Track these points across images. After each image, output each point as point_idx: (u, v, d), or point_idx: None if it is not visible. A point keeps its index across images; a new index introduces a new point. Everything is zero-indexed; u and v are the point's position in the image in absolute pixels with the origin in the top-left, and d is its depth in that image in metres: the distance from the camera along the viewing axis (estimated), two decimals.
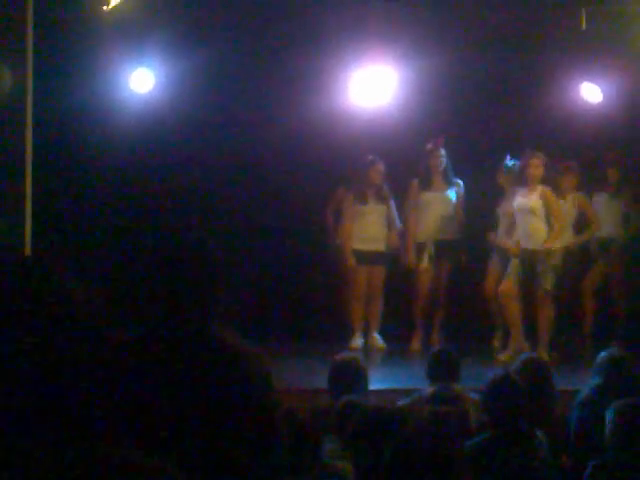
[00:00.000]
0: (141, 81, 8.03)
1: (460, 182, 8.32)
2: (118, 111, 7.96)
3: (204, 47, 7.88)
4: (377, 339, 8.27)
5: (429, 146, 8.20)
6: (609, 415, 4.15)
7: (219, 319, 2.71)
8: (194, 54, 7.84)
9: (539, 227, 7.60)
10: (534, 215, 7.60)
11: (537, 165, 7.66)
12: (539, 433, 4.41)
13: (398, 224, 8.31)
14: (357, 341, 8.19)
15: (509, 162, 8.01)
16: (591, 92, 8.19)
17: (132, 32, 7.74)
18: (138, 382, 2.46)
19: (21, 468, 1.40)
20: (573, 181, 8.13)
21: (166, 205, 8.43)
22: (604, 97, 8.17)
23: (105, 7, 7.40)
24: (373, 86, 8.02)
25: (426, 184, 8.23)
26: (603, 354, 5.17)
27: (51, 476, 1.40)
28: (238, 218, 8.70)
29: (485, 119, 8.47)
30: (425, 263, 8.18)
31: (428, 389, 5.16)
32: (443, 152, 8.21)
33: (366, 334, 8.28)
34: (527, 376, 4.79)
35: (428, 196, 8.24)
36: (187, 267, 2.68)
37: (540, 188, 7.64)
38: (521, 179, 7.70)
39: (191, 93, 8.16)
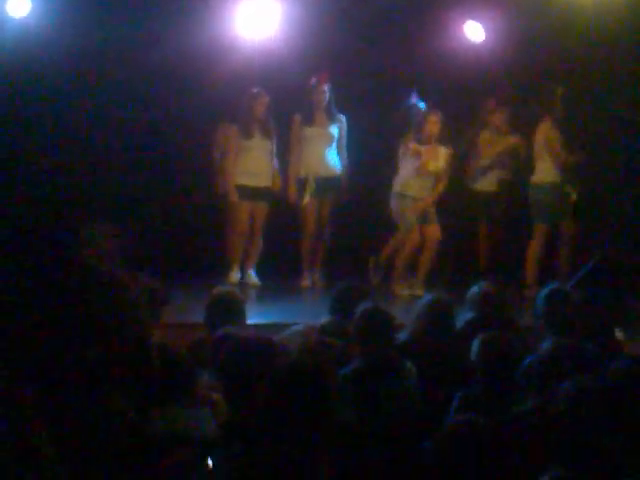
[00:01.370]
0: (17, 5, 7.75)
1: (343, 118, 8.28)
2: None
3: None
4: (252, 276, 8.26)
5: (313, 81, 8.14)
6: (474, 347, 4.26)
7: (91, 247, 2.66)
8: None
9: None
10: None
11: (434, 122, 7.80)
12: (408, 364, 4.51)
13: (276, 162, 8.26)
14: (235, 275, 8.18)
15: (416, 102, 8.11)
16: (474, 31, 8.26)
17: None
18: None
19: None
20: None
21: (37, 137, 8.17)
22: (487, 35, 8.25)
23: None
24: (258, 18, 7.91)
25: (308, 119, 8.17)
26: (474, 288, 5.29)
27: None
28: (116, 152, 8.50)
29: (370, 57, 8.43)
30: (307, 199, 8.17)
31: (319, 321, 5.19)
32: (326, 88, 8.14)
33: (242, 270, 8.27)
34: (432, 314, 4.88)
35: (310, 131, 8.18)
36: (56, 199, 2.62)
37: (443, 152, 7.95)
38: (419, 134, 7.80)
39: (69, 20, 7.88)
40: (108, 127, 8.38)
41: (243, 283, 8.12)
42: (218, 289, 5.34)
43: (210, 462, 3.03)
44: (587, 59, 8.33)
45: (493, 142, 8.30)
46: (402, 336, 4.96)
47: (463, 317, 5.26)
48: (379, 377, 4.37)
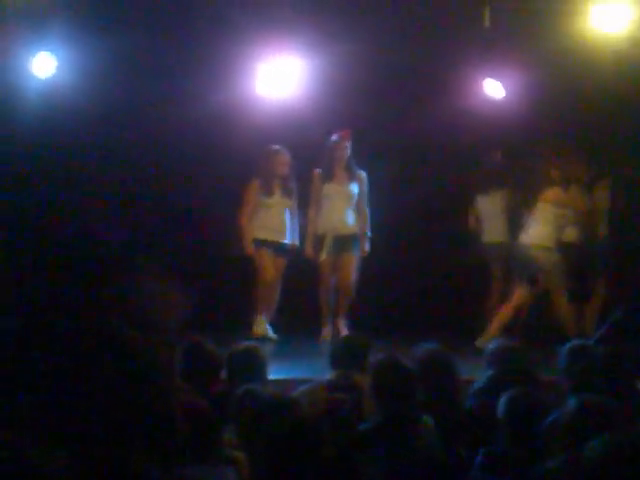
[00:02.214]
0: (43, 65, 7.88)
1: (363, 174, 8.30)
2: (18, 96, 7.79)
3: (108, 32, 7.76)
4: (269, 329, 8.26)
5: (334, 137, 8.18)
6: (501, 404, 4.24)
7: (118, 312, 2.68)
8: (97, 39, 7.71)
9: None
10: None
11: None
12: (426, 418, 4.47)
13: (296, 220, 8.33)
14: (262, 326, 8.14)
15: None
16: (494, 88, 8.32)
17: (34, 15, 7.57)
18: (26, 373, 2.41)
19: None
20: None
21: (66, 193, 8.28)
22: (507, 93, 8.31)
23: None
24: (279, 77, 8.00)
25: (328, 176, 8.21)
26: (493, 345, 5.27)
27: None
28: (142, 208, 8.59)
29: (389, 113, 8.51)
30: (323, 256, 8.18)
31: (327, 377, 5.17)
32: (348, 145, 8.18)
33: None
34: (430, 366, 4.86)
35: (329, 188, 8.21)
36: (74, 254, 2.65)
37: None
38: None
39: (94, 79, 8.02)
40: (132, 184, 8.47)
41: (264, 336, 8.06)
42: (240, 344, 5.33)
43: None
44: (607, 115, 8.39)
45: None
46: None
47: (484, 373, 5.23)
48: (397, 433, 4.33)
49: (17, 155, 8.12)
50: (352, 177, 8.22)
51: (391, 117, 8.51)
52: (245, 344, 5.32)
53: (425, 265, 8.96)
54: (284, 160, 8.15)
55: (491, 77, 8.26)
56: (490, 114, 8.27)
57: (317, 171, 8.24)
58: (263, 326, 8.15)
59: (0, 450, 1.76)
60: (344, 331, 8.13)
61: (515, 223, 8.23)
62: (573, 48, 7.69)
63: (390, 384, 4.47)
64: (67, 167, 8.33)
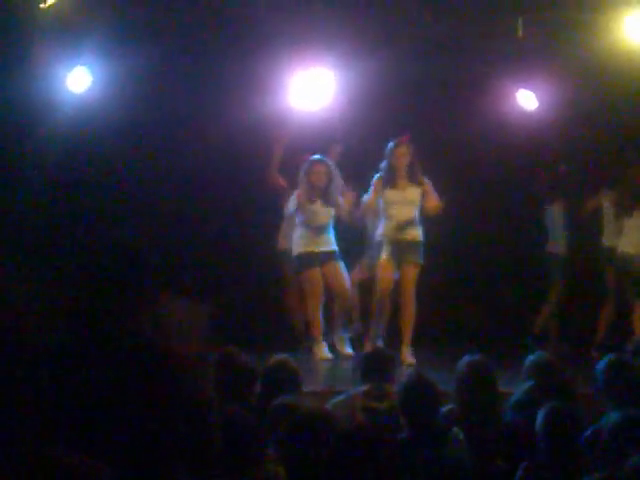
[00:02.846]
0: (78, 80, 7.95)
1: (425, 180, 7.97)
2: (55, 111, 7.87)
3: (143, 47, 7.82)
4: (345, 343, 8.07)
5: (390, 145, 7.94)
6: (539, 417, 4.22)
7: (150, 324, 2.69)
8: (132, 54, 7.77)
9: None
10: None
11: None
12: (455, 430, 4.48)
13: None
14: (323, 350, 7.90)
15: None
16: (527, 99, 8.30)
17: (69, 30, 7.65)
18: (68, 385, 2.43)
19: None
20: None
21: (103, 207, 8.35)
22: (540, 104, 8.28)
23: (42, 5, 7.32)
24: (312, 89, 8.02)
25: (389, 182, 7.93)
26: (531, 358, 5.24)
27: None
28: (177, 222, 8.64)
29: (422, 125, 8.49)
30: (383, 257, 7.85)
31: (361, 388, 5.19)
32: (407, 149, 7.92)
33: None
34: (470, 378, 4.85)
35: (391, 194, 7.93)
36: (113, 274, 2.67)
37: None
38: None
39: (129, 93, 8.09)
40: (167, 198, 8.52)
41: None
42: (273, 358, 5.33)
43: None
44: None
45: None
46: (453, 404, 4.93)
47: (521, 386, 5.20)
48: (425, 446, 4.34)
49: (52, 168, 8.20)
50: (414, 183, 7.94)
51: (424, 129, 8.49)
52: (278, 357, 5.32)
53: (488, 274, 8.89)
54: (321, 170, 7.98)
55: (524, 88, 8.25)
56: (523, 125, 8.25)
57: (378, 177, 7.97)
58: (324, 349, 7.88)
59: (46, 463, 1.79)
60: (409, 359, 7.75)
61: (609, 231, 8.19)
62: (606, 58, 7.66)
63: (416, 400, 4.50)
64: (101, 180, 8.39)
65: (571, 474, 3.97)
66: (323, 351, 7.86)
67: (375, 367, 5.29)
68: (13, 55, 7.66)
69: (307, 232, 7.95)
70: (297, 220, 8.02)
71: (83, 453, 2.04)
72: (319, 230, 7.95)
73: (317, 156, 8.05)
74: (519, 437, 4.64)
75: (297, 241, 8.00)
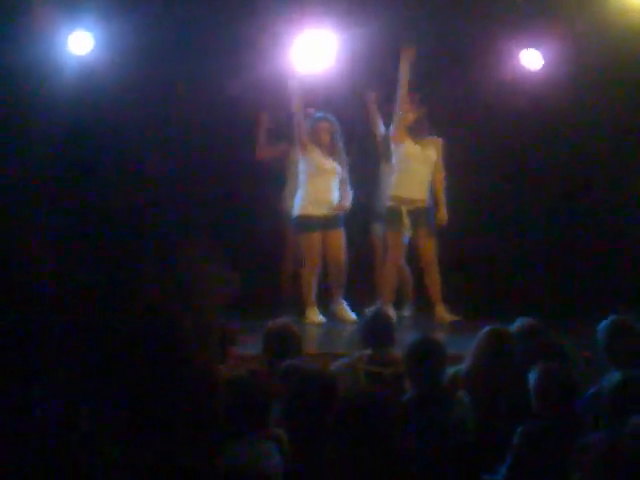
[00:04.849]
0: (79, 43, 7.92)
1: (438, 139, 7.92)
2: (56, 74, 7.85)
3: (143, 9, 7.77)
4: (345, 308, 7.95)
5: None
6: (531, 379, 4.22)
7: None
8: (133, 16, 7.73)
9: None
10: None
11: None
12: (460, 393, 4.50)
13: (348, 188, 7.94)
14: (316, 315, 7.83)
15: None
16: (531, 59, 8.22)
17: None
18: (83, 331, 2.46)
19: None
20: None
21: (105, 169, 8.34)
22: (545, 63, 8.21)
23: None
24: (314, 50, 7.95)
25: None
26: (518, 323, 5.24)
27: None
28: (180, 184, 8.63)
29: (424, 87, 8.41)
30: (404, 228, 7.81)
31: (364, 352, 5.20)
32: (416, 108, 7.86)
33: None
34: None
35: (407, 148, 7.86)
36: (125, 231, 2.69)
37: None
38: None
39: (130, 56, 8.03)
40: (173, 161, 8.51)
41: (332, 316, 7.83)
42: (274, 322, 5.32)
43: None
44: None
45: None
46: (463, 367, 4.93)
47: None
48: (429, 407, 4.36)
49: (56, 133, 8.18)
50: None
51: (427, 91, 8.42)
52: (279, 321, 5.31)
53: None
54: (325, 126, 7.84)
55: (529, 48, 8.17)
56: (528, 85, 8.18)
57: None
58: (318, 315, 7.81)
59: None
60: (448, 316, 7.76)
61: None
62: (612, 17, 7.58)
63: (422, 359, 4.51)
64: (106, 141, 8.37)
65: (568, 435, 3.97)
66: (316, 316, 7.78)
67: (377, 331, 5.26)
68: (14, 18, 7.63)
69: (309, 192, 7.82)
70: (300, 179, 7.91)
71: (91, 404, 2.07)
72: (322, 190, 7.85)
73: (320, 113, 7.94)
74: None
75: (298, 202, 7.85)
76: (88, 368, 2.21)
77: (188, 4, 8.03)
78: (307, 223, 7.78)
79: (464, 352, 5.08)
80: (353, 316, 7.79)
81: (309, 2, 7.66)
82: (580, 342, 5.56)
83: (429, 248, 7.85)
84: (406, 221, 7.79)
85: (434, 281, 7.89)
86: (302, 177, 7.90)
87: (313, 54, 7.93)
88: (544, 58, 8.19)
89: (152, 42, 8.14)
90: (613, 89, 8.31)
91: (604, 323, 5.07)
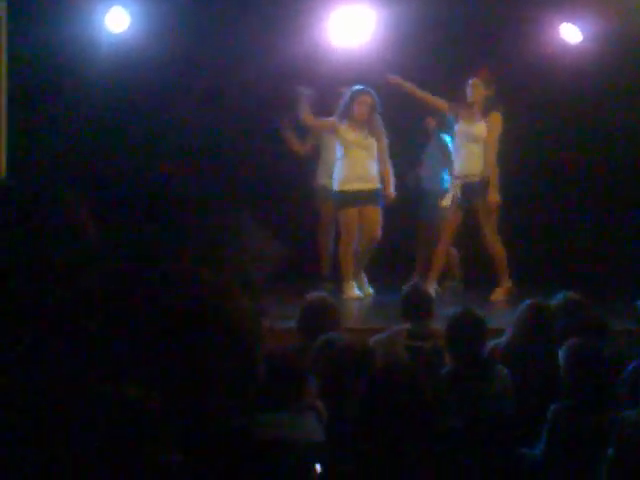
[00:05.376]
0: (116, 20, 7.95)
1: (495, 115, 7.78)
2: (93, 51, 7.89)
3: None
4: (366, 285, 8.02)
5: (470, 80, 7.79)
6: (562, 355, 4.18)
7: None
8: None
9: None
10: None
11: None
12: (498, 367, 4.50)
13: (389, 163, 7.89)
14: (354, 289, 7.85)
15: None
16: (570, 33, 8.13)
17: None
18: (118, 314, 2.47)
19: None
20: None
21: (142, 147, 8.38)
22: (584, 37, 8.12)
23: None
24: (352, 26, 7.92)
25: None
26: (559, 297, 5.20)
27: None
28: (217, 161, 8.66)
29: (464, 61, 8.34)
30: (448, 202, 7.88)
31: (403, 326, 5.21)
32: (479, 83, 7.76)
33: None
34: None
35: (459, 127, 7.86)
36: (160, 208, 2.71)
37: None
38: None
39: (167, 32, 8.05)
40: (207, 137, 8.53)
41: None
42: (311, 295, 5.32)
43: (318, 467, 3.06)
44: None
45: None
46: (502, 340, 4.93)
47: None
48: (469, 381, 4.37)
49: (91, 109, 8.23)
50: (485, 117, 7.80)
51: (465, 64, 8.35)
52: (316, 295, 5.32)
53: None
54: (365, 100, 7.74)
55: (568, 22, 8.08)
56: (569, 60, 8.09)
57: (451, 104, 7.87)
58: (355, 289, 7.84)
59: (104, 389, 1.86)
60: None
61: None
62: None
63: (463, 333, 4.52)
64: (141, 120, 8.41)
65: (601, 412, 3.94)
66: (353, 290, 7.80)
67: (416, 304, 5.27)
68: None
69: (345, 168, 7.80)
70: (338, 154, 7.91)
71: (130, 382, 2.10)
72: (358, 166, 7.79)
73: (360, 86, 7.83)
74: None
75: (335, 178, 7.87)
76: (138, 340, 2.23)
77: None
78: (344, 198, 7.79)
79: (505, 325, 5.08)
80: (370, 290, 7.93)
81: None
82: (624, 315, 5.54)
83: (487, 222, 7.79)
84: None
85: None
86: (339, 153, 7.90)
87: (349, 29, 7.90)
88: (583, 33, 8.10)
89: (187, 20, 8.15)
90: None
91: None
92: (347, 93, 7.82)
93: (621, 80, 8.29)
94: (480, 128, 7.75)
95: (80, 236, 1.92)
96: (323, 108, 8.07)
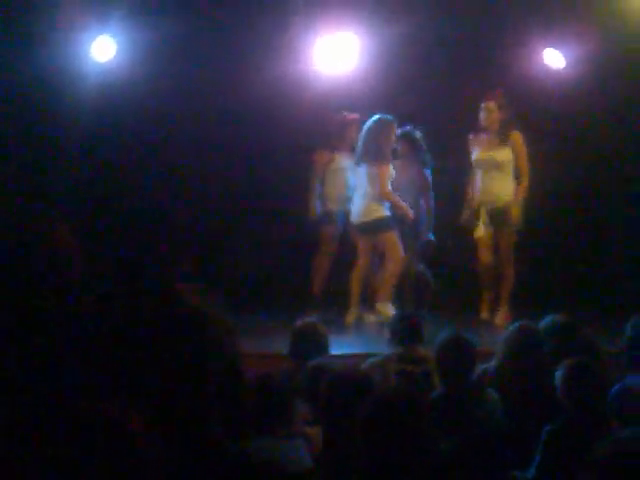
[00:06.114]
0: (102, 49, 7.96)
1: (517, 136, 7.63)
2: (79, 80, 7.90)
3: (166, 14, 7.81)
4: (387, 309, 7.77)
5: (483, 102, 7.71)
6: (558, 375, 4.19)
7: (183, 281, 2.73)
8: (156, 21, 7.76)
9: None
10: None
11: None
12: (489, 391, 4.50)
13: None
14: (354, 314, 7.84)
15: None
16: (554, 58, 8.20)
17: None
18: (103, 338, 2.48)
19: None
20: None
21: (130, 174, 8.39)
22: (567, 63, 8.18)
23: None
24: (337, 52, 7.96)
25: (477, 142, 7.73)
26: (548, 320, 5.21)
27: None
28: (203, 186, 8.67)
29: (447, 87, 8.41)
30: (481, 232, 7.68)
31: (394, 351, 5.21)
32: (493, 106, 7.62)
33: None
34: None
35: (478, 156, 7.70)
36: (149, 230, 2.71)
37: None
38: None
39: (154, 61, 8.08)
40: (195, 163, 8.55)
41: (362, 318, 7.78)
42: (302, 321, 5.35)
43: None
44: None
45: None
46: (491, 365, 4.93)
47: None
48: (458, 404, 4.38)
49: (79, 136, 8.23)
50: (503, 142, 7.62)
51: (448, 91, 8.42)
52: (306, 321, 5.34)
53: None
54: (358, 128, 7.81)
55: (551, 47, 8.15)
56: (552, 84, 8.16)
57: (470, 136, 7.75)
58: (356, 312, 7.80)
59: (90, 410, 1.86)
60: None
61: None
62: (633, 16, 7.56)
63: (452, 357, 4.53)
64: (127, 146, 8.41)
65: (596, 433, 3.94)
66: (351, 316, 7.77)
67: (407, 329, 5.29)
68: (37, 24, 7.69)
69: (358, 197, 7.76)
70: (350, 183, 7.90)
71: (116, 401, 2.10)
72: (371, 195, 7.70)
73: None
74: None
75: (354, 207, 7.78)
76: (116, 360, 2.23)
77: (212, 8, 8.06)
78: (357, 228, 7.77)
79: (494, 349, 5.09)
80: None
81: (331, 4, 7.67)
82: (609, 338, 5.55)
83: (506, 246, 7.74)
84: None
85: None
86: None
87: (335, 56, 7.95)
88: (566, 58, 8.16)
89: (174, 49, 8.18)
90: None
91: (630, 320, 5.04)
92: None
93: (604, 104, 8.36)
94: (502, 154, 7.61)
95: (67, 267, 1.92)
96: (311, 133, 8.12)
